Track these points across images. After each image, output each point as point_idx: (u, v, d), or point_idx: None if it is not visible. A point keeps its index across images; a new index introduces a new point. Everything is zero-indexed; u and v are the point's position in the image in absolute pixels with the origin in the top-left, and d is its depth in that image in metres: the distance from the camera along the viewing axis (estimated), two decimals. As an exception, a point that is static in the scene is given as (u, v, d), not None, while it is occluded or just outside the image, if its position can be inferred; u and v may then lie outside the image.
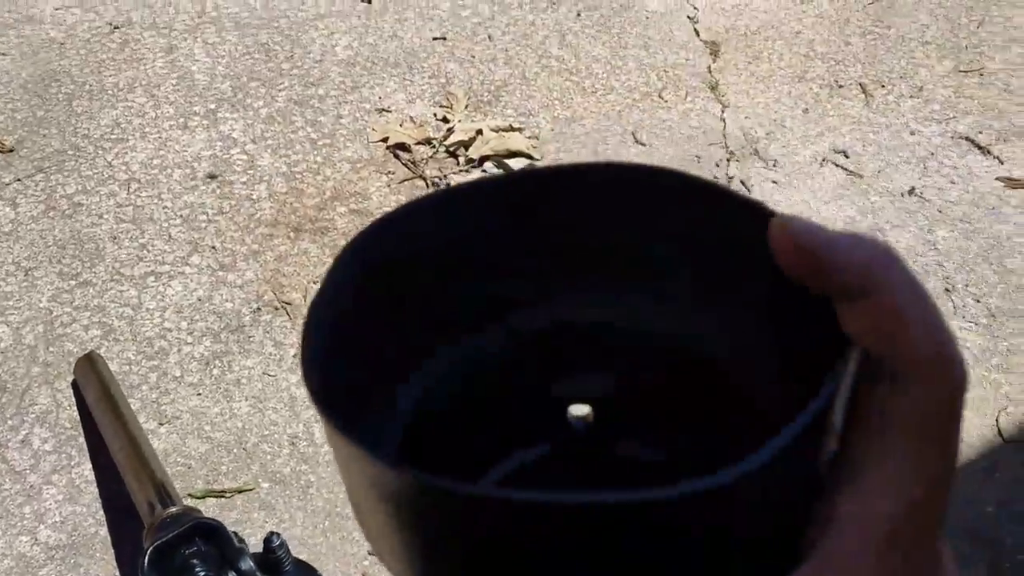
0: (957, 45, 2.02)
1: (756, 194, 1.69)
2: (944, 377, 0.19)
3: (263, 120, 1.84)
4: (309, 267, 1.57)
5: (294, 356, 1.46)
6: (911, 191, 1.72)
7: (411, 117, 1.88)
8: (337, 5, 2.14)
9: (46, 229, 1.60)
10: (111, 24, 2.05)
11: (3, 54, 1.96)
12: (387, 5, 2.16)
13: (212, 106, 1.85)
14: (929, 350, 0.19)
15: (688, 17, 2.16)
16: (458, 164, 1.78)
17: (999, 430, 1.36)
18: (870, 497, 0.18)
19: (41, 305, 1.50)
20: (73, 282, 1.53)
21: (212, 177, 1.71)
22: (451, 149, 1.81)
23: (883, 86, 1.95)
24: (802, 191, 1.73)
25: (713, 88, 1.98)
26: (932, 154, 1.79)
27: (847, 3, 2.16)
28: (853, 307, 0.19)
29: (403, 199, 1.70)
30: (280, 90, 1.91)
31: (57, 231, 1.60)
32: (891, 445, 0.19)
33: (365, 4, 2.16)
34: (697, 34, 2.12)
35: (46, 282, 1.53)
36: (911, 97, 1.92)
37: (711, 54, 2.07)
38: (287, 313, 1.50)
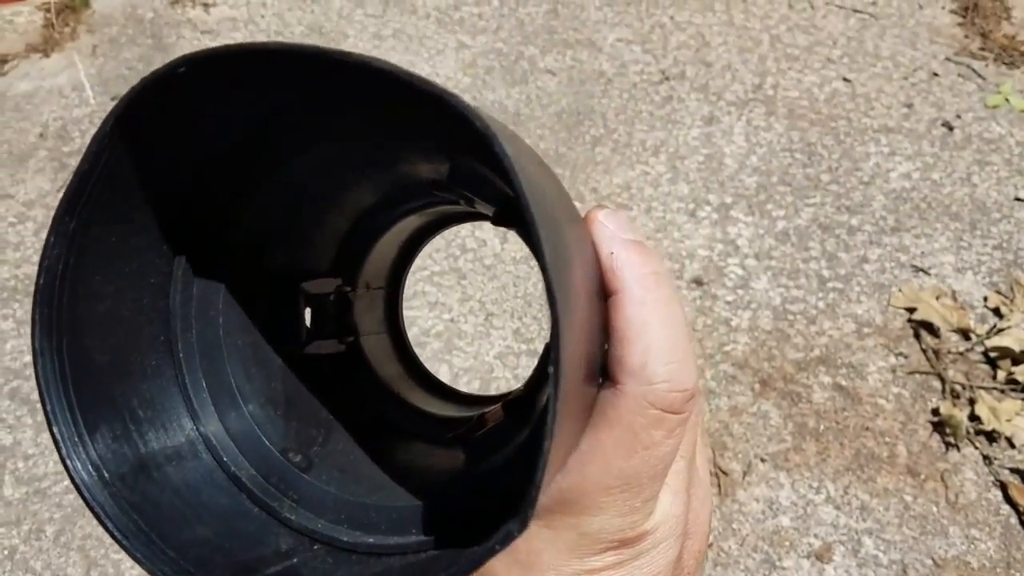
0: None
1: None
2: (642, 391, 0.22)
3: (776, 235, 1.60)
4: (762, 437, 1.32)
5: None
6: None
7: (953, 292, 1.50)
8: (909, 122, 1.80)
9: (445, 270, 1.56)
10: (663, 73, 1.95)
11: (553, 73, 1.97)
12: (971, 139, 1.77)
13: (728, 200, 1.66)
14: (634, 361, 0.23)
15: None
16: (994, 379, 1.38)
17: None
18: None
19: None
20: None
21: (698, 283, 1.52)
22: (991, 355, 1.41)
23: None
24: None
25: None
26: None
27: None
28: (611, 301, 0.24)
29: (905, 395, 1.36)
30: (809, 204, 1.65)
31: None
32: (592, 437, 0.23)
33: (944, 130, 1.79)
34: None
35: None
36: None
37: None
38: (718, 485, 1.27)
